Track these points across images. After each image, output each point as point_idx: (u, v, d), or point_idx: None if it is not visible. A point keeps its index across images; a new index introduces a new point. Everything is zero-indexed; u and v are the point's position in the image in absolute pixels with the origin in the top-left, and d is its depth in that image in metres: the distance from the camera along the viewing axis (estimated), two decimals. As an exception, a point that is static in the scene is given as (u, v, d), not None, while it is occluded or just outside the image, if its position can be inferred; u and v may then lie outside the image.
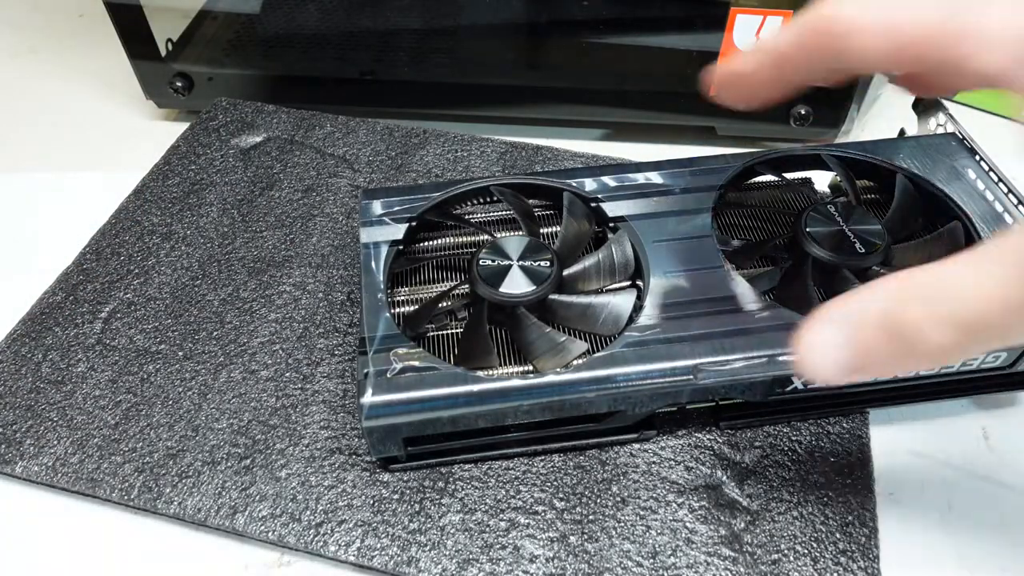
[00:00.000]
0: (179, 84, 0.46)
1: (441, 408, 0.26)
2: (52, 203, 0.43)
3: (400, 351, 0.27)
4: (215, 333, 0.34)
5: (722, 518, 0.28)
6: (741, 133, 0.43)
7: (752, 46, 0.23)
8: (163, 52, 0.46)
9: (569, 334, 0.29)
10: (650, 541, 0.27)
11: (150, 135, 0.47)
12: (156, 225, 0.39)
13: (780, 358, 0.27)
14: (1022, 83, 0.18)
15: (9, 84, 0.52)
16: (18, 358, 0.33)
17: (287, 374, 0.32)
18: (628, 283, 0.31)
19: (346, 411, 0.31)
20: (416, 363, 0.27)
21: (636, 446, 0.30)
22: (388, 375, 0.26)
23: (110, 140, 0.47)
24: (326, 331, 0.34)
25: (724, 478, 0.29)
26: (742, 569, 0.27)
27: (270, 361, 0.33)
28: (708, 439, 0.30)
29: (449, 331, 0.30)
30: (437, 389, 0.26)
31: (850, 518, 0.28)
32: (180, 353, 0.33)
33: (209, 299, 0.35)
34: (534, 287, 0.29)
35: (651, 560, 0.27)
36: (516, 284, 0.29)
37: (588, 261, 0.31)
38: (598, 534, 0.27)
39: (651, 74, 0.43)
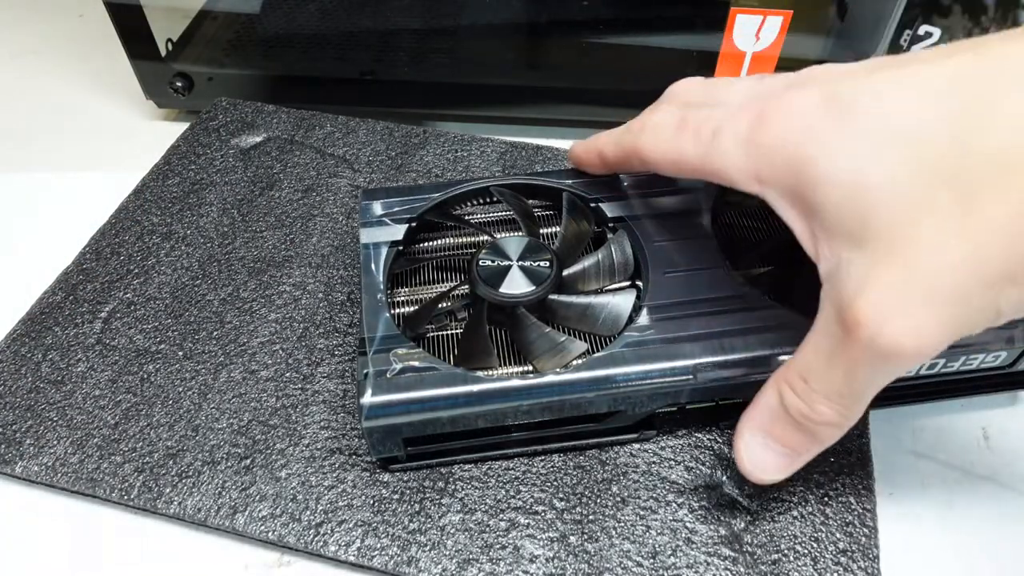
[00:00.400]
0: (179, 84, 0.46)
1: (441, 408, 0.26)
2: (52, 203, 0.43)
3: (400, 351, 0.27)
4: (215, 333, 0.34)
5: (722, 518, 0.28)
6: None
7: (587, 144, 0.31)
8: (163, 52, 0.46)
9: (569, 334, 0.29)
10: (650, 541, 0.27)
11: (150, 135, 0.47)
12: (156, 225, 0.39)
13: (780, 358, 0.27)
14: (773, 201, 0.23)
15: (9, 84, 0.52)
16: (17, 358, 0.33)
17: (287, 374, 0.32)
18: (628, 283, 0.31)
19: (346, 411, 0.31)
20: (416, 363, 0.27)
21: (636, 446, 0.30)
22: (388, 375, 0.26)
23: (110, 140, 0.47)
24: (326, 331, 0.34)
25: (724, 478, 0.29)
26: (742, 569, 0.27)
27: (270, 361, 0.33)
28: (708, 439, 0.30)
29: (449, 332, 0.30)
30: (437, 389, 0.26)
31: (850, 518, 0.28)
32: (180, 353, 0.33)
33: (209, 299, 0.35)
34: (534, 287, 0.29)
35: (651, 560, 0.27)
36: (516, 284, 0.29)
37: (588, 261, 0.31)
38: (598, 534, 0.27)
39: (651, 74, 0.43)
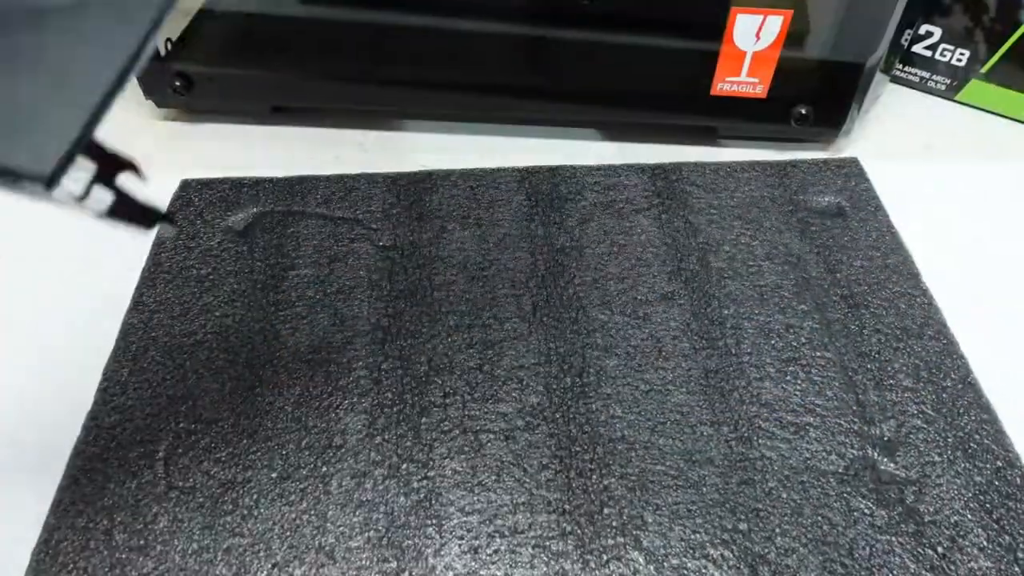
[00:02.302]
0: (179, 84, 0.44)
1: None
2: (54, 207, 0.40)
3: None
4: (303, 442, 0.30)
5: (892, 495, 0.28)
6: (742, 133, 0.44)
7: None
8: (163, 52, 0.44)
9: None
10: (841, 539, 0.27)
11: (150, 135, 0.46)
12: (176, 337, 0.34)
13: None
14: None
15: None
16: (78, 532, 0.27)
17: (403, 466, 0.29)
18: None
19: (486, 488, 0.29)
20: None
21: (782, 445, 0.30)
22: None
23: (109, 140, 0.44)
24: (422, 408, 0.31)
25: (875, 455, 0.30)
26: (929, 540, 0.27)
27: (378, 456, 0.29)
28: (846, 423, 0.30)
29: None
30: None
31: (999, 464, 0.29)
32: (273, 474, 0.29)
33: (279, 405, 0.31)
34: None
35: (850, 558, 0.27)
36: None
37: None
38: (792, 545, 0.27)
39: (651, 74, 0.44)
